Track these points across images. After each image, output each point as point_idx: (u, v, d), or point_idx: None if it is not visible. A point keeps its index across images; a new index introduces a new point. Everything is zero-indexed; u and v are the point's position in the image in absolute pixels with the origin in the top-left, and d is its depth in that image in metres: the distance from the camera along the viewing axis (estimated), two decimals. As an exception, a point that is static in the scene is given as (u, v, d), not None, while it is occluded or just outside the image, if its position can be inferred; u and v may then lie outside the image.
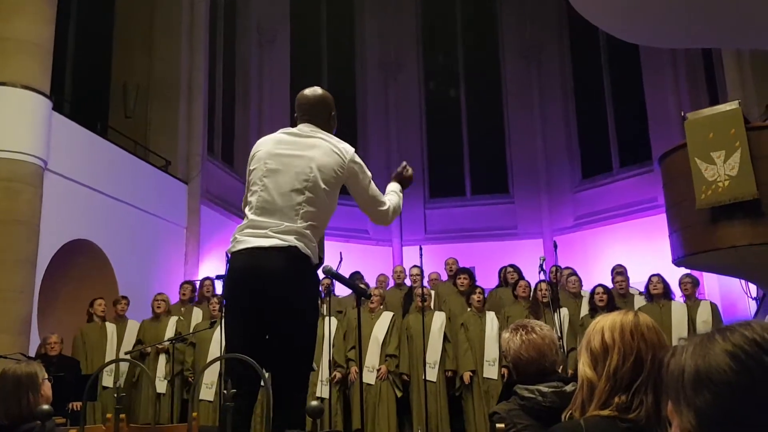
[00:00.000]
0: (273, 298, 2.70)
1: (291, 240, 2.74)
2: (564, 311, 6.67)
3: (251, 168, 2.94)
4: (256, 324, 2.73)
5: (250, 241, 2.77)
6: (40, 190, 7.06)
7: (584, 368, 1.60)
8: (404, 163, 3.29)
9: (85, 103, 10.19)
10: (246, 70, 12.69)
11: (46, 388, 2.59)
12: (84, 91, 10.27)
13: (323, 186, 2.82)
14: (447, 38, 14.60)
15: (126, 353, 6.92)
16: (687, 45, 9.93)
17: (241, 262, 2.78)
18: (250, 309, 2.74)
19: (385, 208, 3.03)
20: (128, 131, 9.67)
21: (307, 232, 2.79)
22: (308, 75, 13.57)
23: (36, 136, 7.05)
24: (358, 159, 2.95)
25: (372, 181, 3.01)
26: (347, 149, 2.93)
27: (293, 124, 3.05)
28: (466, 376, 6.63)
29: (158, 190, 9.49)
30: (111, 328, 7.23)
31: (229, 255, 2.88)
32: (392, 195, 3.13)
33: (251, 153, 3.01)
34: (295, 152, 2.87)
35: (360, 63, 14.30)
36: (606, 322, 1.61)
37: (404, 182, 3.24)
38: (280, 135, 2.98)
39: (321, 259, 2.99)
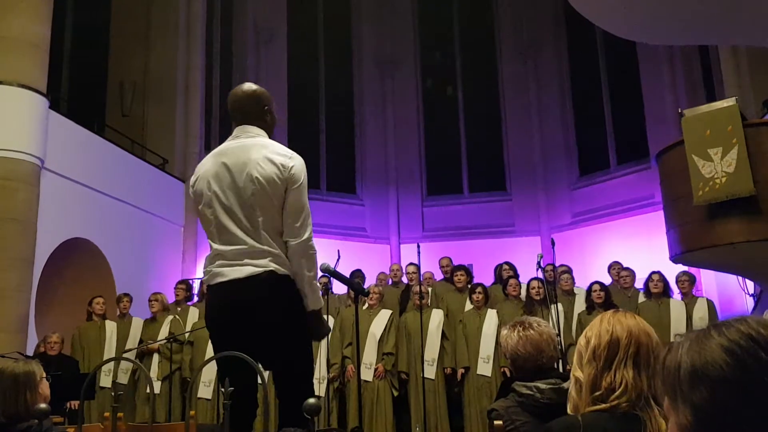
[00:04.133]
0: (260, 329, 2.60)
1: (265, 264, 2.63)
2: (559, 308, 6.68)
3: (198, 195, 2.78)
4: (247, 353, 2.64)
5: (226, 272, 2.66)
6: (37, 188, 7.05)
7: (574, 373, 1.69)
8: None
9: (82, 101, 10.19)
10: (243, 68, 12.68)
11: (44, 387, 2.59)
12: (81, 89, 10.26)
13: (271, 197, 2.66)
14: (444, 36, 14.59)
15: (123, 352, 6.91)
16: (684, 42, 9.94)
17: (220, 297, 2.69)
18: (237, 342, 2.56)
19: (305, 232, 2.70)
20: (125, 130, 9.65)
21: (277, 250, 2.67)
22: (305, 73, 13.59)
23: (33, 134, 7.03)
24: (298, 169, 2.71)
25: (306, 200, 2.76)
26: (285, 159, 2.70)
27: (231, 128, 2.91)
28: (459, 373, 6.66)
29: (155, 189, 9.49)
30: (111, 326, 7.20)
31: (205, 287, 2.78)
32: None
33: (192, 179, 2.85)
34: (235, 168, 2.69)
35: (357, 61, 14.29)
36: (589, 327, 1.74)
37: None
38: (218, 152, 2.81)
39: None
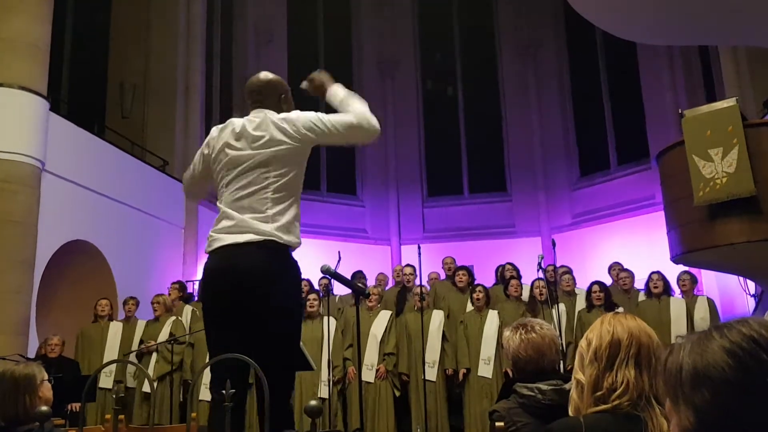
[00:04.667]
0: (253, 297, 2.59)
1: (267, 230, 2.63)
2: (561, 308, 6.68)
3: (213, 156, 2.83)
4: (236, 326, 2.61)
5: (224, 238, 2.67)
6: (37, 190, 7.05)
7: (575, 375, 1.70)
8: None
9: (82, 103, 10.19)
10: (243, 70, 12.67)
11: (46, 390, 2.57)
12: (81, 91, 10.26)
13: (286, 159, 2.72)
14: (444, 37, 14.60)
15: (125, 354, 6.91)
16: (684, 42, 9.93)
17: (216, 262, 2.68)
18: (229, 311, 2.61)
19: (357, 121, 2.92)
20: (125, 131, 9.65)
21: (282, 218, 2.68)
22: (305, 73, 13.52)
23: (33, 136, 7.03)
24: (300, 115, 2.80)
25: (325, 114, 2.85)
26: (287, 116, 2.79)
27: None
28: (461, 373, 6.66)
29: (156, 191, 9.48)
30: (114, 328, 7.20)
31: (207, 254, 2.79)
32: (349, 102, 2.99)
33: (207, 139, 2.90)
34: (254, 132, 2.74)
35: (357, 62, 14.29)
36: (589, 330, 1.75)
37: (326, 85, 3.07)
38: (235, 122, 2.86)
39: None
